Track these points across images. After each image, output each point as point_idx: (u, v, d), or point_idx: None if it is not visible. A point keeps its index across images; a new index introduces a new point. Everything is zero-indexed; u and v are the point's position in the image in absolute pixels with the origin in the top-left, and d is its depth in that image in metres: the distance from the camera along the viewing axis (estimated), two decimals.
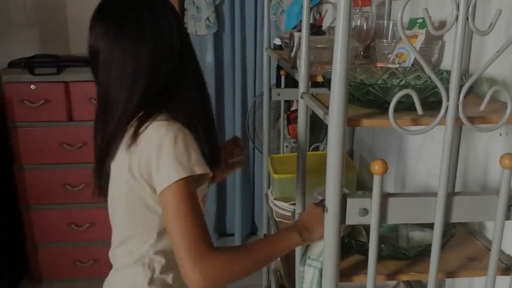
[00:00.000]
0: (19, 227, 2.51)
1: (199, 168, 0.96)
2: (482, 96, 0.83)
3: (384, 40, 1.40)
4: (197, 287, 0.87)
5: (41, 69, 2.35)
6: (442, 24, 1.24)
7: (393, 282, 1.38)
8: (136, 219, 1.06)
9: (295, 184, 1.22)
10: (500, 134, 1.03)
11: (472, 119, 0.79)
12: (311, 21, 1.57)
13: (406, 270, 0.97)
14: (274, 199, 1.79)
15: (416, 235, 1.12)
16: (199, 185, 1.01)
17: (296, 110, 2.36)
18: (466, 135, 1.16)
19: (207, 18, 2.77)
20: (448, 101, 0.77)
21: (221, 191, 3.17)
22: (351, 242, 0.99)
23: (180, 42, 1.04)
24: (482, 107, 0.81)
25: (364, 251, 0.93)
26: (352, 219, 0.83)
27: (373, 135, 1.85)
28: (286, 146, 2.37)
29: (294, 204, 1.26)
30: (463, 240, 1.09)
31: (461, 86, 0.77)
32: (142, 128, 0.97)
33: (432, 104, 0.82)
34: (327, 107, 0.80)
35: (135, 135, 0.97)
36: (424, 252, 0.96)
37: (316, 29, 1.62)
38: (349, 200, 0.82)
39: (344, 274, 0.93)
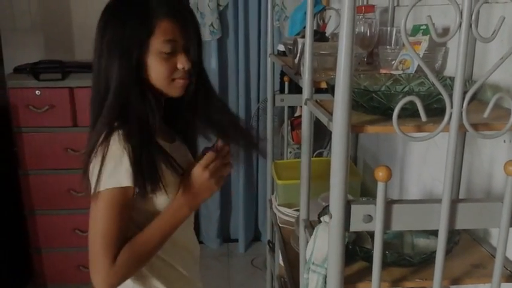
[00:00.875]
0: (23, 232, 2.52)
1: (127, 181, 0.98)
2: (486, 103, 0.83)
3: (388, 46, 1.40)
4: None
5: (46, 74, 2.36)
6: (446, 31, 1.24)
7: None
8: None
9: (299, 190, 1.22)
10: (504, 141, 1.03)
11: (475, 126, 0.79)
12: (314, 28, 1.57)
13: (411, 277, 0.97)
14: (278, 205, 1.79)
15: (421, 242, 1.11)
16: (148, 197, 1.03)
17: (300, 116, 2.36)
18: (470, 142, 1.16)
19: (211, 24, 2.78)
20: (451, 107, 0.77)
21: (225, 196, 3.18)
22: (356, 249, 0.99)
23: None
24: (486, 114, 0.81)
25: (369, 258, 0.93)
26: (356, 225, 0.83)
27: (377, 142, 1.85)
28: (290, 152, 2.37)
29: (297, 210, 1.26)
30: (467, 247, 1.08)
31: (465, 93, 0.78)
32: (99, 141, 1.01)
33: (436, 110, 0.82)
34: (331, 114, 0.80)
35: (93, 148, 1.02)
36: (428, 259, 0.96)
37: (319, 35, 1.62)
38: (353, 207, 0.82)
39: (348, 281, 0.92)
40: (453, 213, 0.83)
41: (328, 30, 1.95)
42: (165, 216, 1.04)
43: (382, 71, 1.26)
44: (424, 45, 1.19)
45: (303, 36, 1.22)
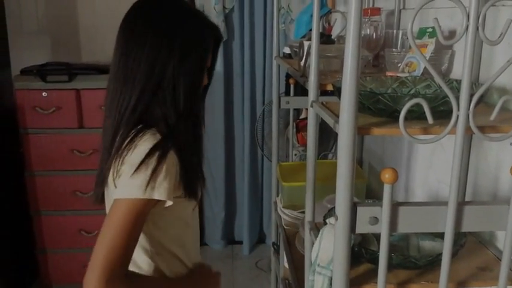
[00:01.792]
0: (29, 233, 2.53)
1: (159, 194, 0.93)
2: (492, 105, 0.83)
3: (394, 49, 1.40)
4: None
5: (53, 76, 2.38)
6: (452, 34, 1.24)
7: None
8: None
9: (304, 192, 1.22)
10: (511, 144, 1.03)
11: (482, 129, 0.79)
12: (320, 30, 1.58)
13: (417, 279, 0.97)
14: (283, 207, 1.80)
15: (427, 244, 1.11)
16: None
17: (305, 118, 2.36)
18: (477, 144, 1.16)
19: None
20: (458, 110, 0.77)
21: (230, 198, 3.18)
22: (361, 251, 0.99)
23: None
24: (492, 117, 0.81)
25: (375, 260, 0.93)
26: (362, 227, 0.83)
27: (382, 144, 1.85)
28: (295, 154, 2.37)
29: (302, 212, 1.26)
30: (473, 249, 1.08)
31: (471, 95, 0.78)
32: (134, 140, 0.97)
33: (442, 113, 0.82)
34: (337, 116, 0.80)
35: (126, 144, 0.97)
36: (434, 261, 0.96)
37: (325, 37, 1.62)
38: (359, 209, 0.82)
39: (354, 283, 0.92)
40: (459, 215, 0.83)
41: (334, 33, 1.95)
42: (174, 283, 1.11)
43: (389, 73, 1.26)
44: (431, 47, 1.19)
45: (309, 39, 1.23)
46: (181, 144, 1.01)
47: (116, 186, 0.97)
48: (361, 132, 0.82)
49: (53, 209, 2.49)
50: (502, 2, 1.04)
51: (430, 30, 1.24)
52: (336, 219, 0.82)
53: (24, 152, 2.42)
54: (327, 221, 0.99)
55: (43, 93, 2.36)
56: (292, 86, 2.15)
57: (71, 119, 2.40)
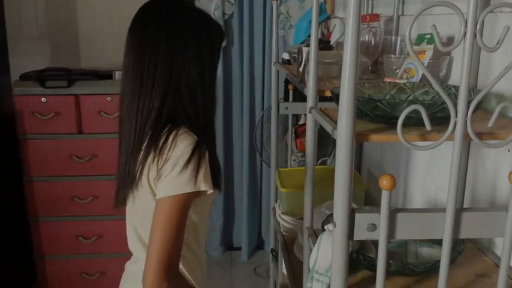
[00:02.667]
0: (27, 239, 2.52)
1: (205, 185, 1.01)
2: (490, 112, 0.83)
3: (392, 55, 1.40)
4: None
5: (52, 82, 2.37)
6: (450, 40, 1.24)
7: None
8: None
9: (302, 198, 1.22)
10: (509, 150, 1.03)
11: (480, 135, 0.79)
12: (319, 37, 1.58)
13: (415, 286, 0.97)
14: (282, 213, 1.79)
15: (425, 251, 1.11)
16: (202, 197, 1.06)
17: (304, 124, 2.36)
18: (475, 151, 1.16)
19: None
20: (456, 116, 0.77)
21: (228, 204, 3.17)
22: (359, 258, 0.99)
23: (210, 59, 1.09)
24: (490, 123, 0.81)
25: (373, 267, 0.93)
26: (360, 234, 0.82)
27: (381, 150, 1.85)
28: (294, 160, 2.37)
29: (301, 218, 1.25)
30: (471, 256, 1.08)
31: (469, 102, 0.78)
32: (169, 139, 1.01)
33: (440, 119, 0.82)
34: (336, 122, 0.80)
35: (162, 144, 1.01)
36: (432, 268, 0.96)
37: (324, 44, 1.63)
38: (357, 215, 0.81)
39: None
40: (457, 222, 0.83)
41: (333, 39, 1.96)
42: None
43: (387, 79, 1.26)
44: (429, 54, 1.20)
45: (308, 45, 1.23)
46: (208, 139, 1.07)
47: (155, 186, 1.02)
48: (359, 138, 0.82)
49: (51, 214, 2.49)
50: (500, 9, 1.04)
51: (428, 36, 1.24)
52: (334, 225, 0.82)
53: (23, 158, 2.42)
54: (325, 227, 0.99)
55: (42, 99, 2.36)
56: (291, 92, 2.15)
57: (70, 124, 2.40)
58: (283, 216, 1.76)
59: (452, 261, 0.95)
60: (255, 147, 2.77)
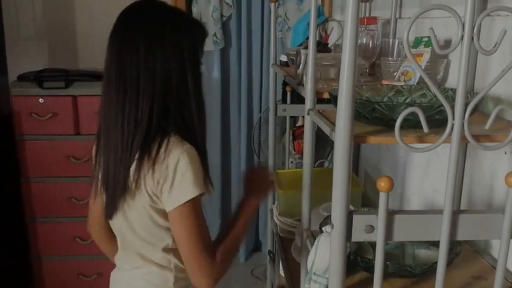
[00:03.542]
0: (24, 240, 2.52)
1: (205, 187, 1.05)
2: (487, 114, 0.84)
3: (390, 58, 1.41)
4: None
5: (50, 83, 2.37)
6: (448, 43, 1.25)
7: None
8: (148, 233, 1.12)
9: (300, 200, 1.22)
10: (506, 153, 1.04)
11: (477, 137, 0.80)
12: (317, 39, 1.58)
13: (412, 287, 0.97)
14: (279, 214, 1.79)
15: (423, 253, 1.11)
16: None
17: (301, 126, 2.37)
18: (472, 153, 1.16)
19: (214, 34, 2.80)
20: (453, 119, 0.78)
21: (226, 205, 3.17)
22: (357, 259, 0.99)
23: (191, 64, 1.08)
24: (487, 126, 0.81)
25: (370, 268, 0.93)
26: (358, 236, 0.83)
27: (378, 153, 1.86)
28: (292, 162, 2.38)
29: (298, 220, 1.26)
30: (468, 258, 1.08)
31: (466, 104, 0.78)
32: (162, 149, 1.01)
33: (438, 121, 0.82)
34: (334, 124, 0.81)
35: (155, 154, 1.01)
36: (429, 270, 0.96)
37: (322, 46, 1.63)
38: (355, 217, 0.82)
39: None
40: (454, 224, 0.83)
41: (331, 41, 1.97)
42: (244, 215, 1.19)
43: (384, 82, 1.27)
44: (426, 57, 1.20)
45: (306, 47, 1.23)
46: (199, 141, 1.08)
47: (153, 194, 1.03)
48: (357, 140, 0.82)
49: (48, 215, 2.48)
50: (497, 12, 1.05)
51: (426, 39, 1.25)
52: (332, 227, 0.82)
53: (20, 158, 2.41)
54: (323, 229, 0.99)
55: (40, 100, 2.36)
56: (289, 94, 2.16)
57: (68, 125, 2.40)
58: (281, 218, 1.76)
59: (450, 262, 0.96)
60: (253, 149, 2.77)
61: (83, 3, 2.78)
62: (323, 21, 2.00)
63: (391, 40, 1.53)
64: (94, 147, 1.15)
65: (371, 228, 0.82)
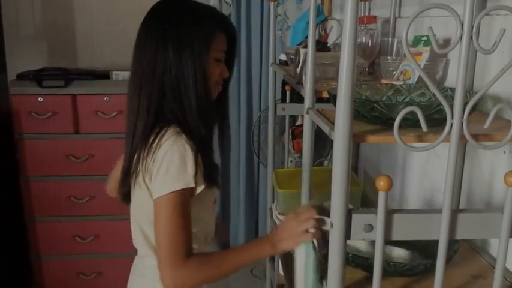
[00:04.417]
0: (24, 239, 2.52)
1: (194, 182, 1.02)
2: (486, 113, 0.84)
3: (389, 57, 1.41)
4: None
5: (49, 81, 2.37)
6: (447, 42, 1.25)
7: None
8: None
9: (299, 199, 1.22)
10: (504, 152, 1.04)
11: (476, 137, 0.80)
12: (316, 38, 1.58)
13: (411, 286, 0.97)
14: (279, 213, 1.79)
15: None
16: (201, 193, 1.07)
17: (301, 125, 2.37)
18: (471, 152, 1.16)
19: None
20: (452, 118, 0.78)
21: (225, 204, 3.18)
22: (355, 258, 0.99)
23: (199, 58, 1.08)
24: (486, 125, 0.81)
25: (369, 268, 0.93)
26: (357, 235, 0.83)
27: (377, 152, 1.86)
28: (291, 161, 2.37)
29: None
30: (467, 257, 1.08)
31: (465, 104, 0.78)
32: (157, 139, 1.03)
33: (437, 121, 0.82)
34: (333, 123, 0.81)
35: (150, 146, 1.03)
36: (429, 269, 0.96)
37: (321, 45, 1.63)
38: (354, 216, 0.82)
39: None
40: (453, 223, 0.84)
41: (330, 40, 1.96)
42: (246, 247, 1.09)
43: (384, 81, 1.27)
44: (425, 56, 1.20)
45: (305, 46, 1.23)
46: (201, 138, 1.07)
47: (147, 186, 1.05)
48: (356, 139, 0.82)
49: (48, 214, 2.48)
50: (496, 11, 1.05)
51: (425, 38, 1.25)
52: (331, 226, 0.82)
53: (20, 157, 2.41)
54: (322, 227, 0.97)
55: (39, 99, 2.35)
56: (288, 93, 2.16)
57: (67, 124, 2.40)
58: (280, 217, 1.76)
59: (448, 260, 0.96)
60: (252, 148, 2.77)
61: (82, 2, 2.78)
62: (322, 20, 2.00)
63: (390, 39, 1.53)
64: None
65: (370, 227, 0.82)
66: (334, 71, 1.37)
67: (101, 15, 2.74)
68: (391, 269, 0.96)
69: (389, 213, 0.82)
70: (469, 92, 0.96)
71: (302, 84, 1.32)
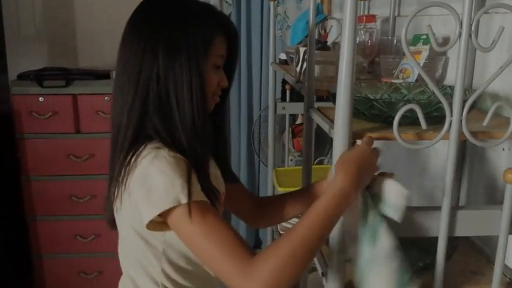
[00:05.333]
0: (25, 238, 2.52)
1: (185, 197, 0.81)
2: (485, 111, 0.84)
3: (388, 56, 1.41)
4: None
5: (50, 81, 2.37)
6: (446, 40, 1.25)
7: None
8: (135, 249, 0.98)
9: None
10: (503, 149, 1.04)
11: (475, 134, 0.81)
12: (316, 37, 1.59)
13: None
14: None
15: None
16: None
17: (301, 124, 2.37)
18: (470, 149, 1.17)
19: None
20: (451, 116, 0.79)
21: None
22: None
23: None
24: (485, 122, 0.82)
25: None
26: None
27: None
28: (291, 160, 2.38)
29: (298, 217, 1.26)
30: (467, 254, 1.09)
31: (464, 101, 0.79)
32: (135, 155, 0.88)
33: (436, 118, 0.83)
34: (332, 121, 0.81)
35: (128, 163, 0.88)
36: (428, 265, 0.96)
37: (321, 44, 1.64)
38: None
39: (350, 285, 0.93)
40: (453, 220, 0.84)
41: (330, 40, 1.97)
42: (319, 205, 0.79)
43: (383, 79, 1.27)
44: (425, 54, 1.21)
45: (305, 45, 1.24)
46: (194, 157, 0.90)
47: (132, 210, 0.88)
48: (356, 137, 0.83)
49: (49, 213, 2.48)
50: (494, 10, 1.05)
51: (424, 37, 1.26)
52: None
53: (21, 157, 2.41)
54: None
55: (40, 98, 2.36)
56: (288, 92, 2.17)
57: (68, 124, 2.40)
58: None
59: (449, 257, 0.96)
60: (253, 147, 2.78)
61: (82, 1, 2.78)
62: (322, 19, 2.01)
63: (390, 38, 1.54)
64: None
65: None
66: (333, 70, 1.38)
67: (101, 14, 2.74)
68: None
69: None
70: (468, 89, 0.97)
71: (302, 83, 1.33)
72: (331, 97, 0.97)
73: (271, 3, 2.03)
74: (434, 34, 0.78)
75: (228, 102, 3.03)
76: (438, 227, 0.84)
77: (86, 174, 2.44)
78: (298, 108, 2.09)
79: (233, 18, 2.85)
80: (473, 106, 0.80)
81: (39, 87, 2.36)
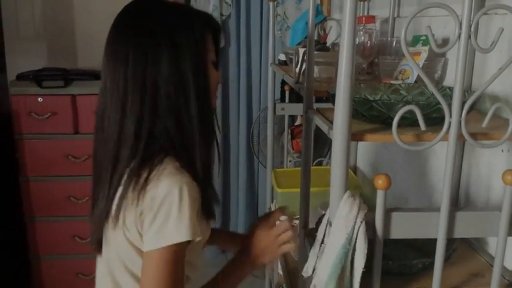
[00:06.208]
0: (23, 239, 2.52)
1: (191, 234, 0.86)
2: (484, 112, 0.84)
3: (388, 57, 1.41)
4: None
5: (49, 82, 2.38)
6: (445, 42, 1.25)
7: None
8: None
9: (298, 198, 1.22)
10: (502, 151, 1.04)
11: (474, 135, 0.80)
12: (315, 38, 1.59)
13: (409, 285, 0.97)
14: None
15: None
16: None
17: (300, 125, 2.37)
18: (469, 151, 1.17)
19: None
20: (450, 117, 0.78)
21: (225, 204, 3.18)
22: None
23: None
24: (484, 124, 0.82)
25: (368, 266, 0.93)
26: None
27: (376, 151, 1.86)
28: (290, 161, 2.38)
29: (297, 218, 1.26)
30: (465, 255, 1.09)
31: (463, 103, 0.78)
32: (151, 175, 0.86)
33: (435, 119, 0.83)
34: (331, 122, 0.81)
35: (144, 181, 0.85)
36: (427, 267, 0.96)
37: (320, 45, 1.64)
38: None
39: None
40: (452, 221, 0.84)
41: (329, 40, 1.97)
42: (231, 271, 1.03)
43: (383, 80, 1.27)
44: (424, 55, 1.21)
45: (304, 46, 1.24)
46: (201, 167, 0.90)
47: (132, 229, 0.88)
48: (355, 138, 0.82)
49: (48, 214, 2.48)
50: (494, 11, 1.05)
51: (424, 38, 1.25)
52: (330, 225, 0.83)
53: (19, 157, 2.41)
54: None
55: (39, 99, 2.36)
56: (287, 93, 2.16)
57: (67, 124, 2.40)
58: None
59: (447, 259, 0.96)
60: (252, 148, 2.78)
61: (82, 2, 2.78)
62: (321, 20, 2.01)
63: (389, 39, 1.53)
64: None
65: (369, 226, 0.82)
66: (333, 71, 1.38)
67: (101, 15, 2.74)
68: (389, 267, 0.97)
69: (388, 212, 0.82)
70: (467, 91, 0.97)
71: (301, 84, 1.33)
72: (331, 98, 0.96)
73: (271, 3, 2.03)
74: (433, 35, 0.78)
75: (228, 102, 3.05)
76: (437, 228, 0.83)
77: (85, 175, 2.43)
78: (297, 109, 2.08)
79: (233, 19, 2.86)
80: (472, 107, 0.80)
81: (38, 88, 2.37)
